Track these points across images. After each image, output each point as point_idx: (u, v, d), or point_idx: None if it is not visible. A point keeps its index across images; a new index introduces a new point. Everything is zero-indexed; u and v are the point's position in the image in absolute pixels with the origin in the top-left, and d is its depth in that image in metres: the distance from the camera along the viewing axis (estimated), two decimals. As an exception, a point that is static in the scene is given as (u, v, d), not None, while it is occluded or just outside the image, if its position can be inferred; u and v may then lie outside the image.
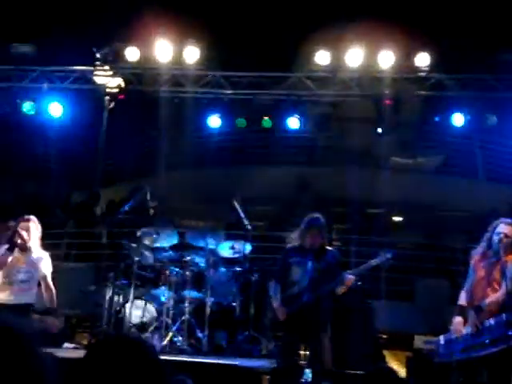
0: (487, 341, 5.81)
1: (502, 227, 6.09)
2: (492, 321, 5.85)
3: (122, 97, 11.96)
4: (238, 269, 9.33)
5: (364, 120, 12.40)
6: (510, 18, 11.60)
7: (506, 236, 6.02)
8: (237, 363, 7.17)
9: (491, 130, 11.48)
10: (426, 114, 12.06)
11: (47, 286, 7.21)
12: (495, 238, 6.06)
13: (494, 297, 5.96)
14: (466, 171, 15.14)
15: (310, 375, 6.27)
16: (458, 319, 6.15)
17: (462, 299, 6.25)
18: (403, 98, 11.31)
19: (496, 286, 6.00)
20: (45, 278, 7.21)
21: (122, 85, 11.63)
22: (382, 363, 8.63)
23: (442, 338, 6.31)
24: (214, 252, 9.39)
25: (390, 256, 6.67)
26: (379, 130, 11.82)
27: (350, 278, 6.58)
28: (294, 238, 6.93)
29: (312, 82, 11.18)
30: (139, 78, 11.43)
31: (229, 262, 9.56)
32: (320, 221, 6.82)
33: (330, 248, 6.88)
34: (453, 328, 6.17)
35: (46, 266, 7.25)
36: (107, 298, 8.91)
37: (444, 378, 6.32)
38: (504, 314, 5.71)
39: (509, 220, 6.22)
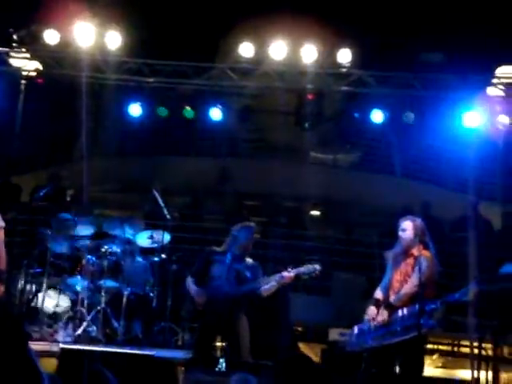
0: (399, 328, 5.98)
1: (402, 224, 6.35)
2: (405, 310, 6.02)
3: (40, 81, 11.62)
4: (156, 259, 9.24)
5: (286, 114, 12.48)
6: (431, 19, 11.91)
7: (403, 230, 6.29)
8: (152, 353, 7.09)
9: (409, 128, 11.75)
10: (346, 110, 12.23)
11: None
12: (400, 235, 6.33)
13: (404, 288, 6.14)
14: (384, 168, 15.45)
15: (224, 365, 6.26)
16: (372, 308, 6.29)
17: (379, 293, 6.41)
18: (325, 93, 11.43)
19: (409, 280, 6.18)
20: None
21: (41, 68, 11.29)
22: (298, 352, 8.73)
23: (355, 328, 6.44)
24: (131, 241, 9.27)
25: (318, 268, 6.73)
26: (306, 125, 11.92)
27: (289, 276, 6.60)
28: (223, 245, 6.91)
29: (235, 73, 11.15)
30: (58, 61, 11.12)
31: (147, 251, 9.45)
32: (252, 229, 6.88)
33: (250, 260, 6.90)
34: (366, 317, 6.30)
35: None
36: (19, 286, 8.66)
37: (356, 368, 6.43)
38: (417, 304, 5.87)
39: (408, 217, 6.47)
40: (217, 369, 6.19)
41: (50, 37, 10.85)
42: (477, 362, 6.52)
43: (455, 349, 10.43)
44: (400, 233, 6.36)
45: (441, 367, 10.69)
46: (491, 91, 10.95)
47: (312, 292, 10.99)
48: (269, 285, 6.60)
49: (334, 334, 9.46)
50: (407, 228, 6.33)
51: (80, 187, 11.34)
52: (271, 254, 11.12)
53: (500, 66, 10.98)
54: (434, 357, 10.72)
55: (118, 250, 9.03)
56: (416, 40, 11.59)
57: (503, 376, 8.23)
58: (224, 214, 12.76)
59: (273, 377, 4.91)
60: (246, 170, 14.51)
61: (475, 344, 6.69)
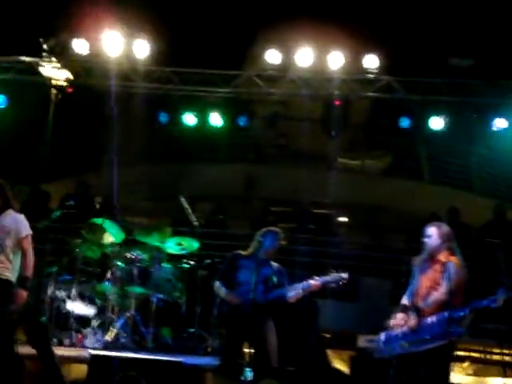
0: (428, 336, 5.95)
1: (427, 230, 6.33)
2: (434, 318, 5.98)
3: (70, 90, 11.77)
4: (184, 266, 9.29)
5: (313, 120, 12.49)
6: (460, 24, 11.84)
7: (428, 236, 6.27)
8: (181, 360, 7.13)
9: (437, 134, 11.67)
10: (374, 116, 12.20)
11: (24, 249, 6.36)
12: (425, 241, 6.30)
13: (434, 297, 6.10)
14: (412, 173, 15.37)
15: (250, 374, 6.27)
16: (400, 315, 6.27)
17: (405, 300, 6.39)
18: (352, 99, 11.42)
19: (437, 287, 6.15)
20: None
21: (71, 77, 11.43)
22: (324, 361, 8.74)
23: (382, 335, 6.42)
24: (160, 248, 9.33)
25: (345, 276, 6.73)
26: (333, 132, 11.93)
27: (315, 284, 6.60)
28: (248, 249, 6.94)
29: (262, 80, 11.20)
30: (88, 71, 11.26)
31: (175, 258, 9.51)
32: (278, 234, 6.90)
33: (276, 264, 6.91)
34: (393, 321, 6.27)
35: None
36: (49, 293, 8.76)
37: (385, 375, 6.40)
38: (446, 312, 5.84)
39: (434, 223, 6.44)
40: (242, 377, 6.20)
41: (79, 46, 11.00)
42: (507, 369, 6.47)
43: (486, 356, 10.34)
44: (425, 239, 6.33)
45: (472, 375, 10.61)
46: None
47: (339, 298, 10.96)
48: (295, 292, 6.61)
49: (362, 341, 9.43)
50: (432, 234, 6.30)
51: (108, 195, 11.45)
52: (298, 261, 11.12)
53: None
54: (465, 364, 10.63)
55: (147, 257, 9.10)
56: (444, 45, 11.53)
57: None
58: (250, 221, 12.77)
59: (297, 382, 4.93)
60: (273, 176, 14.52)
61: (505, 351, 6.64)
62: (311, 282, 6.64)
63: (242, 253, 6.88)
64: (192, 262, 9.36)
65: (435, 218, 10.87)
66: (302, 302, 7.78)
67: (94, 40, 10.88)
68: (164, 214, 12.52)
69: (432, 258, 6.26)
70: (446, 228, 6.34)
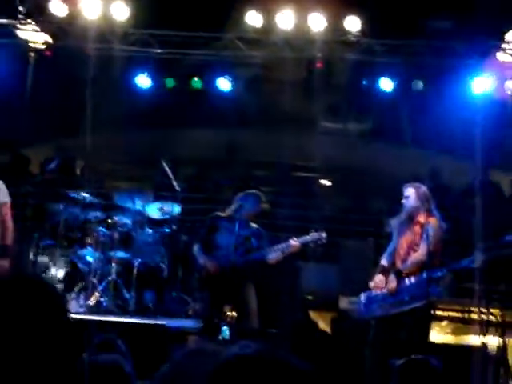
0: (406, 297, 6.02)
1: (405, 191, 6.34)
2: (412, 279, 6.05)
3: (48, 53, 11.59)
4: (166, 230, 9.31)
5: (295, 83, 12.41)
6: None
7: (406, 197, 6.29)
8: (163, 323, 7.18)
9: (418, 96, 11.67)
10: (355, 79, 12.15)
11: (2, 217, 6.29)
12: (403, 202, 6.33)
13: (413, 257, 6.16)
14: (393, 136, 15.37)
15: (228, 333, 6.33)
16: (380, 276, 6.33)
17: (384, 260, 6.43)
18: (334, 62, 11.36)
19: (416, 248, 6.20)
20: None
21: (49, 40, 11.26)
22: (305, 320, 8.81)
23: (363, 296, 6.49)
24: (141, 213, 9.33)
25: (324, 236, 6.76)
26: (315, 94, 11.88)
27: (295, 245, 6.62)
28: (227, 210, 6.94)
29: (243, 43, 11.10)
30: (65, 33, 11.09)
31: (157, 223, 9.52)
32: (258, 197, 6.90)
33: (254, 225, 6.91)
34: (373, 285, 6.34)
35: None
36: (31, 258, 8.76)
37: (366, 336, 6.48)
38: (424, 273, 5.90)
39: (411, 183, 6.45)
40: (220, 337, 6.26)
41: (57, 8, 10.82)
42: (484, 327, 6.56)
43: (464, 315, 10.46)
44: (403, 200, 6.36)
45: (450, 333, 10.74)
46: (500, 56, 10.85)
47: (321, 260, 11.04)
48: (275, 254, 6.64)
49: (344, 302, 9.53)
50: (410, 195, 6.33)
51: (89, 160, 11.39)
52: (280, 224, 11.16)
53: (510, 30, 10.84)
54: (444, 323, 10.75)
55: (129, 222, 9.11)
56: (423, 7, 11.43)
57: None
58: (233, 184, 12.77)
59: (278, 343, 4.98)
60: (255, 140, 14.49)
61: (483, 310, 6.72)
62: (290, 242, 6.68)
63: (221, 214, 6.89)
64: (174, 227, 9.37)
65: (417, 180, 10.93)
66: (283, 263, 7.84)
67: (71, 2, 10.69)
68: (145, 178, 12.50)
69: (411, 219, 6.30)
70: (424, 189, 6.37)
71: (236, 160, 14.23)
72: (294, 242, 6.68)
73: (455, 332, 10.58)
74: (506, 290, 6.31)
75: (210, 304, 6.71)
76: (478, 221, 9.99)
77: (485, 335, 6.67)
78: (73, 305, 8.33)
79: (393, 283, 6.16)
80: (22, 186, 11.30)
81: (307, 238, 6.78)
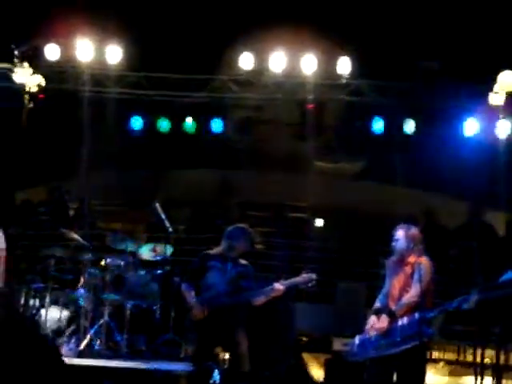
0: (399, 338, 5.98)
1: (395, 234, 6.37)
2: (405, 320, 6.02)
3: (42, 96, 11.68)
4: (158, 271, 9.26)
5: (287, 124, 12.52)
6: (430, 27, 11.93)
7: (396, 240, 6.31)
8: (155, 367, 7.11)
9: (410, 137, 11.74)
10: (347, 120, 12.26)
11: None
12: (393, 245, 6.35)
13: (405, 298, 6.14)
14: (386, 177, 15.44)
15: (219, 377, 6.25)
16: (373, 318, 6.29)
17: (378, 303, 6.42)
18: (325, 103, 11.47)
19: (408, 289, 6.19)
20: None
21: (43, 83, 11.35)
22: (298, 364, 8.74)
23: (357, 338, 6.44)
24: (134, 254, 9.29)
25: (314, 277, 6.72)
26: (307, 135, 11.95)
27: (278, 289, 6.55)
28: (217, 248, 6.91)
29: (236, 85, 11.21)
30: (60, 76, 11.19)
31: (149, 264, 9.47)
32: (247, 233, 6.86)
33: (244, 261, 6.87)
34: (367, 327, 6.30)
35: None
36: (22, 301, 8.69)
37: (359, 378, 6.42)
38: (416, 313, 5.87)
39: (400, 225, 6.46)
40: (211, 381, 6.17)
41: (51, 52, 10.93)
42: (480, 369, 6.52)
43: (460, 357, 10.40)
44: (393, 242, 6.38)
45: (447, 375, 10.66)
46: (491, 99, 10.96)
47: (315, 301, 10.98)
48: (258, 297, 6.59)
49: (337, 344, 9.45)
50: (400, 237, 6.35)
51: (82, 202, 11.38)
52: (275, 265, 11.12)
53: (501, 72, 10.98)
54: (440, 365, 10.69)
55: (121, 263, 9.05)
56: (414, 48, 11.60)
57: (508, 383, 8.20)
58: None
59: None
60: (249, 180, 14.53)
61: (478, 352, 6.68)
62: (274, 286, 6.59)
63: (211, 252, 6.84)
64: (166, 268, 9.33)
65: (412, 220, 10.94)
66: (277, 304, 7.79)
67: (66, 45, 10.82)
68: (138, 219, 12.48)
69: (402, 261, 6.31)
70: (413, 230, 6.39)
71: (230, 201, 14.24)
72: (278, 286, 6.60)
73: (451, 374, 10.52)
74: (501, 332, 6.28)
75: (201, 346, 6.62)
76: (472, 261, 10.01)
77: (480, 377, 6.62)
78: (64, 349, 8.23)
79: (383, 324, 6.13)
80: (13, 228, 11.29)
81: (297, 279, 6.73)
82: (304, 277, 6.68)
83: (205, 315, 6.50)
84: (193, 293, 6.67)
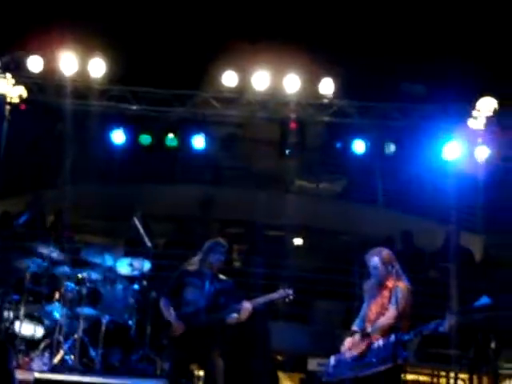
0: (374, 359, 5.98)
1: (371, 261, 6.38)
2: (381, 341, 6.02)
3: (23, 107, 11.62)
4: (135, 286, 9.19)
5: (269, 142, 12.56)
6: (412, 50, 12.06)
7: (374, 268, 6.32)
8: (128, 383, 7.03)
9: (390, 158, 11.81)
10: (329, 140, 12.32)
11: None
12: (372, 273, 6.35)
13: (381, 321, 6.15)
14: (366, 197, 15.52)
15: None
16: (350, 340, 6.29)
17: (355, 326, 6.43)
18: (308, 123, 11.52)
19: (385, 312, 6.21)
20: None
21: (24, 94, 11.30)
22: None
23: (332, 358, 6.43)
24: (111, 269, 9.22)
25: (291, 293, 6.71)
26: (288, 154, 11.98)
27: (246, 308, 6.51)
28: (193, 262, 6.88)
29: (218, 102, 11.24)
30: (42, 88, 11.16)
31: (127, 279, 9.40)
32: (226, 246, 6.84)
33: (224, 278, 6.84)
34: (343, 347, 6.30)
35: None
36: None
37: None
38: (392, 335, 5.88)
39: (372, 251, 6.47)
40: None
41: (34, 63, 10.90)
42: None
43: (434, 379, 10.42)
44: (372, 270, 6.37)
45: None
46: (471, 123, 11.06)
47: (291, 320, 10.96)
48: (231, 317, 6.56)
49: (313, 364, 9.44)
50: (376, 263, 6.35)
51: (61, 213, 11.31)
52: (252, 282, 11.10)
53: (481, 97, 11.10)
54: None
55: (98, 277, 8.97)
56: (397, 70, 11.71)
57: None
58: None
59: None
60: (229, 197, 14.53)
61: (451, 375, 6.71)
62: (243, 305, 6.53)
63: (189, 269, 6.81)
64: (144, 283, 9.26)
65: (390, 242, 10.99)
66: (255, 323, 7.76)
67: (49, 57, 10.78)
68: (117, 234, 12.42)
69: (380, 285, 6.32)
70: (385, 252, 6.41)
71: (209, 217, 14.24)
72: (246, 305, 6.55)
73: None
74: (474, 355, 6.31)
75: (176, 363, 6.57)
76: (449, 285, 10.05)
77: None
78: (37, 363, 8.14)
79: (362, 345, 6.14)
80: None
81: (273, 295, 6.71)
82: (280, 292, 6.67)
83: (182, 332, 6.45)
84: (171, 309, 6.63)
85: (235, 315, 6.51)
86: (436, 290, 10.36)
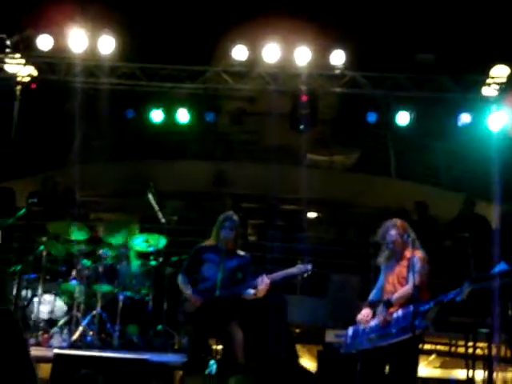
0: (394, 330, 5.97)
1: (387, 234, 6.34)
2: (400, 312, 6.02)
3: (33, 86, 11.62)
4: (151, 263, 9.23)
5: (280, 116, 12.48)
6: (424, 20, 11.93)
7: (393, 242, 6.28)
8: (147, 357, 7.07)
9: (404, 129, 11.71)
10: (341, 112, 12.23)
11: None
12: (388, 246, 6.31)
13: (401, 291, 6.14)
14: (380, 169, 15.46)
15: (215, 367, 6.22)
16: (367, 310, 6.29)
17: (373, 296, 6.42)
18: (319, 95, 11.43)
19: (404, 282, 6.19)
20: None
21: (34, 74, 11.29)
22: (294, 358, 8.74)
23: (350, 329, 6.44)
24: (127, 246, 9.25)
25: (310, 268, 6.67)
26: (301, 127, 11.90)
27: (265, 284, 6.47)
28: (210, 238, 6.87)
29: (229, 76, 11.18)
30: (52, 67, 11.13)
31: (142, 255, 9.44)
32: (235, 221, 6.80)
33: (242, 253, 6.82)
34: (360, 318, 6.29)
35: None
36: (14, 292, 8.64)
37: (352, 369, 6.42)
38: (411, 306, 5.87)
39: (388, 224, 6.43)
40: (207, 372, 6.15)
41: (44, 42, 10.87)
42: (471, 361, 6.52)
43: (452, 349, 10.42)
44: (388, 242, 6.32)
45: (438, 367, 10.69)
46: (485, 91, 10.97)
47: (308, 293, 10.98)
48: (249, 291, 6.55)
49: (330, 336, 9.47)
50: (393, 236, 6.31)
51: (73, 192, 11.34)
52: (268, 256, 11.12)
53: (494, 65, 10.99)
54: (432, 357, 10.71)
55: (114, 255, 9.02)
56: (409, 41, 11.59)
57: (500, 375, 8.22)
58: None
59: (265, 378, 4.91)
60: (242, 172, 14.50)
61: (470, 344, 6.68)
62: (260, 280, 6.49)
63: (206, 244, 6.81)
64: (160, 259, 9.30)
65: (404, 213, 10.95)
66: (270, 296, 7.77)
67: (58, 36, 10.75)
68: (131, 210, 12.45)
69: (398, 255, 6.29)
70: (399, 222, 6.38)
71: (223, 192, 14.22)
72: (264, 280, 6.51)
73: (443, 366, 10.55)
74: (492, 323, 6.27)
75: (195, 338, 6.60)
76: (466, 254, 10.02)
77: (472, 369, 6.63)
78: (56, 339, 8.22)
79: (380, 315, 6.13)
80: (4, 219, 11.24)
81: (293, 270, 6.69)
82: (300, 267, 6.64)
83: (200, 306, 6.47)
84: (189, 285, 6.65)
85: (252, 291, 6.49)
86: (452, 260, 10.35)
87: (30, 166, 14.52)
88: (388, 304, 6.15)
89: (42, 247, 8.83)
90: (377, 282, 6.54)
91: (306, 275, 6.66)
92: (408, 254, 6.18)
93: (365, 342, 6.24)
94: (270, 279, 6.51)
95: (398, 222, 6.40)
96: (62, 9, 10.49)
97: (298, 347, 9.77)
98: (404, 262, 6.24)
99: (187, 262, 6.87)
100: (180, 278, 6.77)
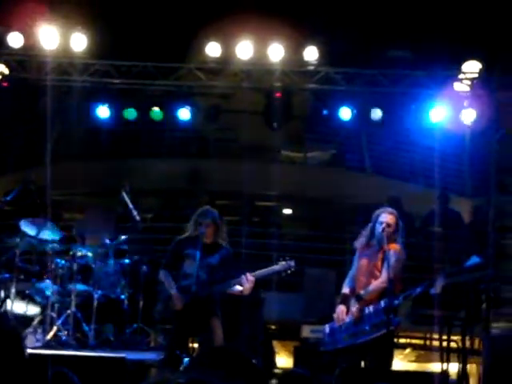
0: (367, 327, 5.99)
1: (384, 216, 6.28)
2: (371, 308, 6.04)
3: (5, 84, 11.49)
4: (126, 261, 9.18)
5: (255, 112, 12.47)
6: (397, 16, 11.99)
7: (388, 225, 6.22)
8: (124, 356, 7.03)
9: (378, 125, 11.75)
10: (315, 108, 12.25)
11: None
12: (378, 227, 6.23)
13: (374, 284, 6.15)
14: (354, 165, 15.54)
15: (187, 360, 6.21)
16: (341, 308, 6.29)
17: (346, 288, 6.40)
18: (293, 91, 11.44)
19: (378, 274, 6.18)
20: None
21: (6, 72, 11.16)
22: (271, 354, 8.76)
23: (327, 327, 6.44)
24: (102, 244, 9.19)
25: (293, 264, 6.67)
26: (275, 124, 11.90)
27: (250, 281, 6.47)
28: (187, 229, 6.84)
29: (203, 73, 11.14)
30: (23, 65, 11.01)
31: (117, 254, 9.38)
32: (213, 213, 6.77)
33: (223, 244, 6.78)
34: (335, 316, 6.31)
35: None
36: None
37: (329, 366, 6.45)
38: (382, 301, 5.89)
39: (390, 209, 6.43)
40: (181, 368, 6.14)
41: (14, 40, 10.74)
42: (445, 354, 6.59)
43: (427, 342, 10.52)
44: (380, 225, 6.22)
45: (413, 361, 10.79)
46: (457, 86, 11.05)
47: (284, 289, 11.00)
48: (235, 289, 6.55)
49: (306, 331, 9.50)
50: (391, 223, 6.23)
51: (45, 191, 11.24)
52: (243, 253, 11.13)
53: (466, 61, 11.08)
54: (407, 351, 10.81)
55: (88, 253, 8.96)
56: (382, 37, 11.64)
57: (473, 367, 8.32)
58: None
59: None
60: (217, 169, 14.49)
61: (444, 337, 6.75)
62: (245, 277, 6.50)
63: (186, 236, 6.75)
64: (135, 257, 9.26)
65: (395, 204, 10.96)
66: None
67: (29, 33, 10.63)
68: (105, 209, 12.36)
69: (379, 245, 6.21)
70: (396, 213, 6.35)
71: (198, 190, 14.20)
72: (249, 277, 6.52)
73: (418, 359, 10.64)
74: (466, 316, 6.34)
75: (175, 335, 6.58)
76: (439, 248, 10.11)
77: (446, 362, 6.70)
78: (30, 339, 8.14)
79: (356, 311, 6.13)
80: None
81: (276, 267, 6.69)
82: (283, 264, 6.64)
83: (183, 305, 6.46)
84: (173, 282, 6.62)
85: (239, 288, 6.49)
86: (426, 254, 10.43)
87: (3, 164, 14.38)
88: (358, 298, 6.16)
89: (15, 247, 8.73)
90: (349, 273, 6.50)
91: (289, 271, 6.67)
92: (386, 246, 6.15)
93: (341, 340, 6.26)
94: (254, 277, 6.51)
95: (397, 215, 6.36)
96: (32, 6, 10.36)
97: (275, 343, 9.80)
98: (380, 255, 6.22)
99: (168, 257, 6.84)
100: (162, 274, 6.74)
